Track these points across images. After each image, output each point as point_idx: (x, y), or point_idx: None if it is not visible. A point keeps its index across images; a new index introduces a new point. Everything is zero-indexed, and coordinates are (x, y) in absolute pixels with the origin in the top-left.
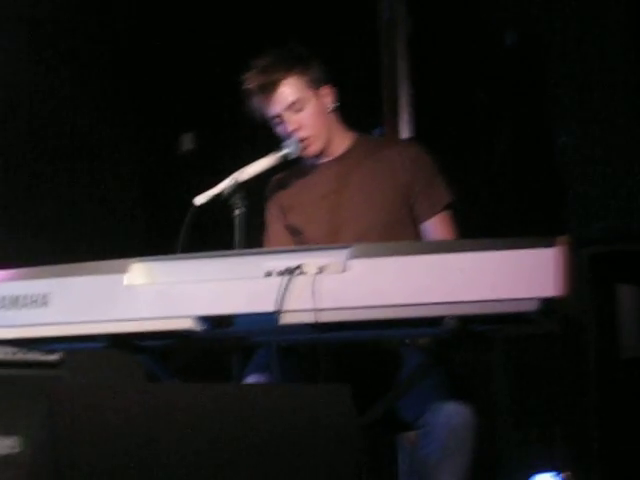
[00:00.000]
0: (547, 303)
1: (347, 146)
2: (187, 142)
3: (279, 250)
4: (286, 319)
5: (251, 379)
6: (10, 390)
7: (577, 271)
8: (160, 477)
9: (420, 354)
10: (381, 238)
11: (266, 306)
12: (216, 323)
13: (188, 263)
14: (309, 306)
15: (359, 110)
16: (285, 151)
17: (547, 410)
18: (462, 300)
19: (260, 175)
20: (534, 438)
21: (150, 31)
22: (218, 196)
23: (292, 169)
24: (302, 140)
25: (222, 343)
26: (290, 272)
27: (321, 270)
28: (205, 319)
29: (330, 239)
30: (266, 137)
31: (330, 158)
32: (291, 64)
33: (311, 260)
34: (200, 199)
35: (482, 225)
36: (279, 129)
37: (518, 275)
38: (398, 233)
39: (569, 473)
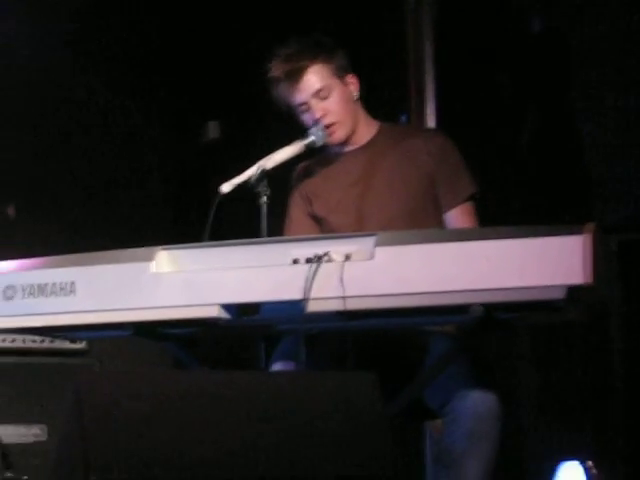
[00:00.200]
0: (574, 291)
1: (372, 135)
2: (213, 130)
3: (306, 238)
4: (313, 307)
5: (277, 366)
6: (37, 378)
7: (604, 258)
8: (187, 464)
9: (446, 342)
10: (406, 226)
11: (293, 294)
12: (242, 311)
13: (214, 251)
14: (336, 294)
15: (386, 97)
16: (311, 139)
17: (572, 399)
18: (488, 288)
19: (285, 163)
20: (560, 426)
21: (176, 18)
22: (244, 184)
23: (317, 158)
24: (328, 127)
25: (248, 331)
26: (317, 260)
27: (348, 257)
28: (231, 307)
29: (356, 227)
30: (291, 125)
31: (355, 147)
32: (316, 52)
33: (338, 248)
34: (226, 187)
35: (509, 212)
36: (305, 117)
37: (545, 262)
38: (423, 221)
39: (593, 462)
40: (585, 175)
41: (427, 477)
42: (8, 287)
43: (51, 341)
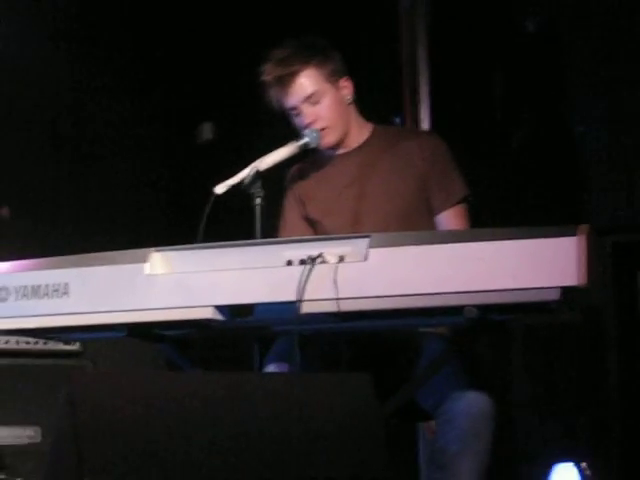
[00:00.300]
0: (568, 292)
1: (365, 137)
2: (206, 131)
3: (300, 239)
4: (307, 308)
5: (271, 368)
6: (30, 380)
7: (599, 260)
8: (180, 465)
9: (440, 343)
10: (400, 228)
11: (287, 295)
12: (236, 312)
13: (208, 252)
14: (330, 295)
15: (379, 99)
16: (304, 140)
17: (567, 400)
18: (482, 289)
19: (279, 164)
20: (554, 428)
21: (171, 20)
22: (238, 185)
23: (311, 160)
24: (319, 131)
25: (242, 332)
26: (311, 261)
27: (342, 259)
28: (225, 308)
29: (350, 229)
30: (285, 126)
31: (348, 149)
32: (309, 56)
33: (332, 249)
34: (220, 188)
35: (503, 214)
36: (296, 121)
37: (539, 264)
38: (416, 223)
39: (588, 463)
40: (579, 177)
41: (421, 478)
42: (1, 289)
43: (45, 343)
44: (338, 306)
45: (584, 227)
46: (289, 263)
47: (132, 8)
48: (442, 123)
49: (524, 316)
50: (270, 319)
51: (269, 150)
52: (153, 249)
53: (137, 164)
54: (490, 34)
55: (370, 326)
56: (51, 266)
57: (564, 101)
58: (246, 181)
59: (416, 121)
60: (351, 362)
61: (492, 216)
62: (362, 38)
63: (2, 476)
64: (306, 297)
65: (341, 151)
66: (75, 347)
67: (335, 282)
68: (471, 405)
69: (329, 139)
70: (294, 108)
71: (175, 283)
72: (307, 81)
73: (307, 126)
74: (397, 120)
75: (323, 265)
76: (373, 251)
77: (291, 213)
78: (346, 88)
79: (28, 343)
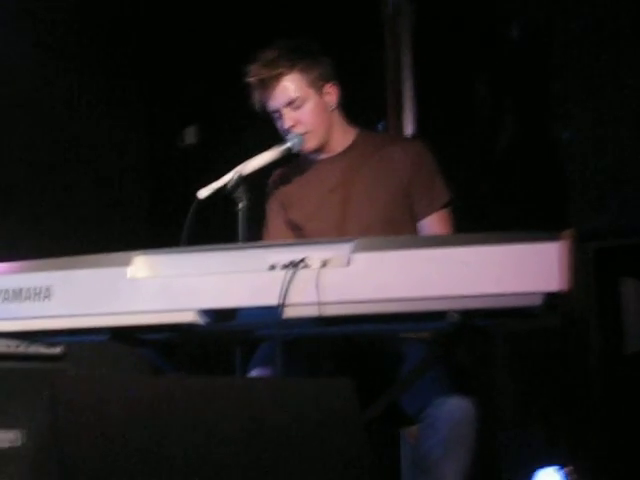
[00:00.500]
0: (551, 298)
1: (349, 143)
2: (190, 135)
3: (283, 243)
4: (290, 312)
5: (254, 373)
6: (12, 383)
7: (581, 265)
8: (163, 470)
9: (423, 348)
10: (383, 233)
11: (270, 299)
12: (219, 316)
13: (191, 256)
14: (313, 299)
15: (363, 104)
16: (288, 145)
17: (550, 405)
18: (465, 294)
19: (263, 169)
20: (537, 433)
21: (153, 24)
22: (221, 189)
23: (294, 164)
24: (301, 136)
25: (225, 336)
26: (294, 265)
27: (325, 264)
28: (208, 312)
29: (333, 234)
30: (269, 130)
31: (332, 154)
32: (295, 60)
33: (315, 254)
34: (203, 192)
35: (486, 219)
36: (278, 123)
37: (522, 269)
38: (400, 229)
39: (571, 468)
40: (562, 182)
41: None
42: None
43: (27, 346)
44: (321, 311)
45: (567, 233)
46: (272, 267)
47: (117, 12)
48: (426, 129)
49: (507, 321)
50: (253, 323)
51: (253, 154)
52: (136, 252)
53: (121, 168)
54: (474, 39)
55: (353, 331)
56: (33, 269)
57: (548, 107)
58: (230, 185)
59: (400, 127)
60: (334, 367)
61: (475, 221)
62: (346, 43)
63: None
64: (289, 301)
65: (324, 156)
66: (57, 351)
67: (318, 287)
68: (454, 410)
69: (310, 144)
70: (276, 111)
71: (158, 287)
72: (290, 85)
73: (288, 130)
74: (381, 126)
75: (306, 270)
76: (356, 256)
77: (274, 218)
78: (330, 94)
79: (9, 346)
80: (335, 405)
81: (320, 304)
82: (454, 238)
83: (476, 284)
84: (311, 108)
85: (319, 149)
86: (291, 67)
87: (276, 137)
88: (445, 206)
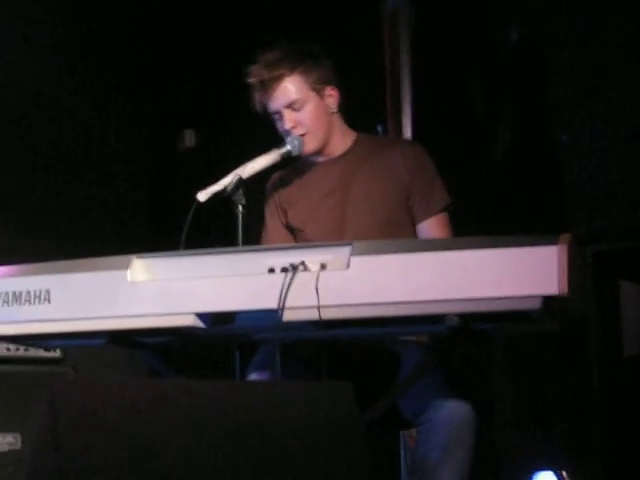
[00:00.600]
0: (549, 301)
1: (348, 146)
2: (188, 139)
3: (282, 247)
4: (289, 316)
5: (253, 376)
6: (11, 386)
7: (580, 269)
8: (162, 474)
9: (421, 351)
10: (382, 236)
11: (268, 303)
12: (218, 320)
13: (190, 259)
14: (312, 303)
15: (361, 107)
16: (286, 148)
17: (548, 408)
18: (464, 298)
19: (262, 172)
20: (534, 436)
21: (151, 27)
22: (220, 192)
23: (292, 167)
24: (300, 139)
25: (224, 340)
26: (293, 269)
27: (324, 267)
28: (207, 316)
29: (332, 237)
30: (267, 133)
31: (331, 157)
32: (296, 62)
33: (314, 257)
34: (202, 195)
35: (484, 223)
36: (277, 125)
37: (521, 273)
38: (398, 232)
39: (568, 471)
40: (560, 186)
41: None
42: None
43: (25, 349)
44: (320, 314)
45: (565, 236)
46: (271, 271)
47: (117, 16)
48: (424, 132)
49: (505, 325)
50: (252, 327)
51: (251, 158)
52: (135, 256)
53: (119, 171)
54: (473, 43)
55: (352, 334)
56: (32, 272)
57: (546, 110)
58: (229, 188)
59: (399, 129)
60: (332, 370)
61: (473, 225)
62: (345, 46)
63: None
64: (288, 305)
65: (323, 159)
66: (56, 354)
67: (317, 290)
68: (453, 413)
69: (309, 146)
70: (276, 112)
71: (157, 290)
72: (291, 87)
73: (288, 131)
74: (379, 128)
75: (305, 273)
76: (355, 259)
77: (272, 221)
78: (331, 97)
79: (9, 350)
80: (334, 408)
81: (319, 307)
82: (453, 242)
83: (475, 287)
84: (311, 110)
85: (318, 152)
86: (292, 69)
87: (275, 140)
88: (444, 209)
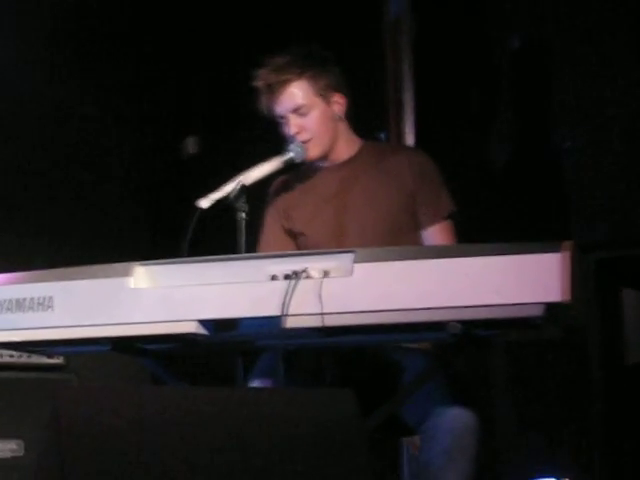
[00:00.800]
0: (552, 308)
1: (353, 152)
2: (191, 145)
3: (285, 254)
4: (291, 323)
5: (255, 383)
6: (14, 393)
7: (582, 276)
8: None
9: (423, 358)
10: (385, 243)
11: (271, 310)
12: (220, 327)
13: (192, 267)
14: (314, 310)
15: (363, 113)
16: (289, 155)
17: (550, 416)
18: (466, 305)
19: (264, 179)
20: (536, 444)
21: (153, 33)
22: (223, 199)
23: (296, 172)
24: (302, 143)
25: (226, 347)
26: (296, 276)
27: (327, 274)
28: (209, 323)
29: (335, 242)
30: (270, 140)
31: (334, 163)
32: (304, 67)
33: (316, 264)
34: (204, 202)
35: (487, 230)
36: (283, 129)
37: (523, 280)
38: (402, 239)
39: (571, 478)
40: (563, 193)
41: None
42: None
43: (28, 356)
44: (322, 321)
45: (568, 244)
46: (274, 278)
47: (117, 22)
48: (426, 139)
49: (508, 332)
50: (254, 334)
51: (254, 164)
52: (137, 263)
53: (121, 178)
54: (474, 50)
55: (354, 341)
56: (36, 280)
57: (549, 117)
58: (231, 195)
59: (400, 137)
60: (335, 377)
61: (475, 232)
62: (346, 53)
63: None
64: (290, 312)
65: (327, 164)
66: (59, 361)
67: (320, 297)
68: (455, 421)
69: (312, 152)
70: (282, 117)
71: (159, 297)
72: (297, 92)
73: (292, 136)
74: (382, 136)
75: (308, 280)
76: (358, 266)
77: (272, 226)
78: (337, 104)
79: (12, 356)
80: (336, 415)
81: (322, 314)
82: (455, 249)
83: (477, 295)
84: (317, 116)
85: (322, 158)
86: (300, 74)
87: (278, 147)
88: (449, 217)
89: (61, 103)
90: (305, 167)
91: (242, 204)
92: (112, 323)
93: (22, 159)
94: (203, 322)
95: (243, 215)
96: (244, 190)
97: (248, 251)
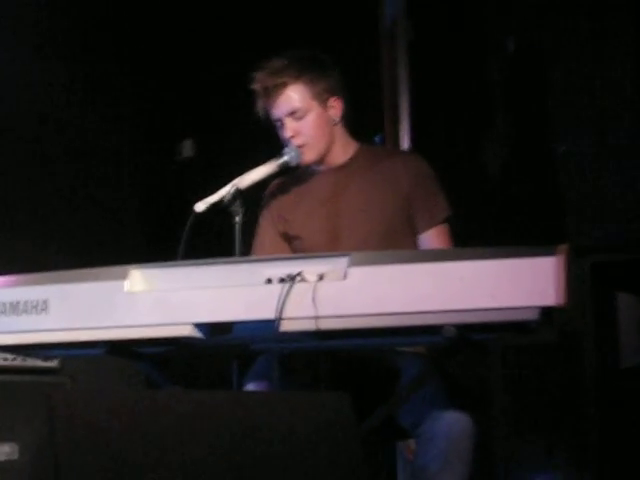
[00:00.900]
0: (547, 312)
1: (349, 156)
2: (187, 149)
3: (279, 257)
4: (286, 326)
5: (251, 387)
6: (9, 396)
7: (577, 280)
8: None
9: (419, 362)
10: (380, 246)
11: (266, 313)
12: (215, 330)
13: (187, 270)
14: (309, 314)
15: (360, 119)
16: (284, 159)
17: (546, 419)
18: (461, 308)
19: (260, 182)
20: (532, 447)
21: (151, 36)
22: (218, 203)
23: (292, 175)
24: (298, 147)
25: (222, 350)
26: (291, 279)
27: (321, 277)
28: (204, 326)
29: (329, 246)
30: (266, 143)
31: (330, 167)
32: (301, 70)
33: (311, 267)
34: (200, 206)
35: (482, 234)
36: (279, 132)
37: (518, 284)
38: (397, 242)
39: None
40: (558, 197)
41: None
42: None
43: (23, 359)
44: (317, 325)
45: (563, 247)
46: (269, 281)
47: (115, 25)
48: (422, 143)
49: (503, 336)
50: (249, 337)
51: (250, 168)
52: (133, 266)
53: (117, 181)
54: (470, 54)
55: (349, 345)
56: (30, 282)
57: (545, 120)
58: (226, 199)
59: (396, 141)
60: (330, 381)
61: (471, 235)
62: (343, 57)
63: None
64: (285, 315)
65: (323, 168)
66: (54, 364)
67: (314, 300)
68: (451, 425)
69: (308, 156)
70: (278, 120)
71: (154, 300)
72: (294, 95)
73: (288, 140)
74: (378, 139)
75: (302, 283)
76: (352, 270)
77: (267, 229)
78: (334, 108)
79: (6, 359)
80: (331, 419)
81: (316, 318)
82: (450, 252)
83: (472, 298)
84: (313, 120)
85: (318, 162)
86: (297, 78)
87: (273, 150)
88: (445, 220)
89: (58, 107)
90: (301, 171)
91: (237, 207)
92: (107, 326)
93: (18, 162)
94: (198, 325)
95: (238, 218)
96: (239, 193)
97: (244, 254)
